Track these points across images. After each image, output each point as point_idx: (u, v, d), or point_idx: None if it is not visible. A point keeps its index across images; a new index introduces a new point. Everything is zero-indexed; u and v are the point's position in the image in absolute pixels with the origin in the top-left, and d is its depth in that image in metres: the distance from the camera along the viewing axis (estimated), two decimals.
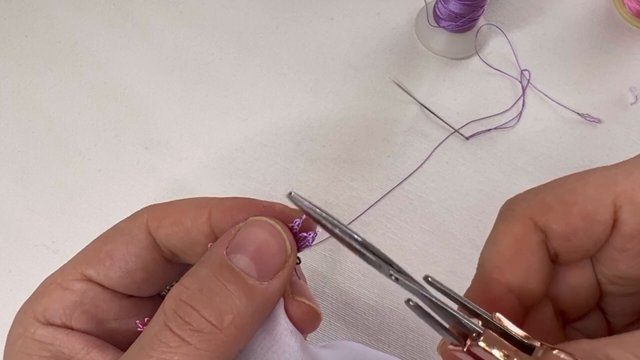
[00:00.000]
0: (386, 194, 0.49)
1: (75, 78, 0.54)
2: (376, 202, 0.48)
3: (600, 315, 0.26)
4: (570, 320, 0.25)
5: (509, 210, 0.24)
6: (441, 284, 0.20)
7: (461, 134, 0.51)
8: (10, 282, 0.46)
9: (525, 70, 0.53)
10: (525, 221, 0.22)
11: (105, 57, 0.54)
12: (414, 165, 0.50)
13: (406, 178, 0.49)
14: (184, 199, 0.25)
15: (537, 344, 0.18)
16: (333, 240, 0.49)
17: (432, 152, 0.50)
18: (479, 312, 0.20)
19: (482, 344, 0.18)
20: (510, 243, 0.23)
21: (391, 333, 0.45)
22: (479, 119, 0.51)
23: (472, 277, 0.25)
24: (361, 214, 0.48)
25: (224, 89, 0.53)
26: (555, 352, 0.18)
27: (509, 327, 0.19)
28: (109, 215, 0.48)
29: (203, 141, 0.51)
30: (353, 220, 0.48)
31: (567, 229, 0.22)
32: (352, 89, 0.53)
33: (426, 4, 0.54)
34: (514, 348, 0.18)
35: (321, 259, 0.47)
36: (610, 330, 0.25)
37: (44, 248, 0.47)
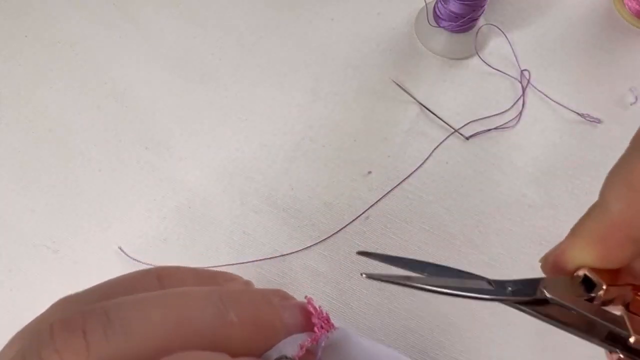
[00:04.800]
0: (386, 194, 0.49)
1: (75, 78, 0.54)
2: (376, 202, 0.48)
3: None
4: None
5: None
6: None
7: (461, 134, 0.51)
8: (10, 282, 0.46)
9: (525, 70, 0.53)
10: None
11: (105, 57, 0.54)
12: (414, 165, 0.50)
13: (406, 178, 0.49)
14: None
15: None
16: (333, 240, 0.49)
17: (432, 152, 0.50)
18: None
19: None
20: None
21: (391, 333, 0.45)
22: (479, 119, 0.51)
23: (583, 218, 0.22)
24: (361, 214, 0.48)
25: (224, 89, 0.53)
26: None
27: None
28: (108, 216, 0.48)
29: (203, 141, 0.51)
30: (353, 221, 0.48)
31: None
32: (352, 89, 0.53)
33: (426, 4, 0.54)
34: None
35: (321, 259, 0.47)
36: None
37: (44, 248, 0.47)
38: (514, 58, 0.54)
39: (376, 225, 0.48)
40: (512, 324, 0.44)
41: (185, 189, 0.49)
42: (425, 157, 0.50)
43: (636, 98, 0.52)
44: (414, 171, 0.49)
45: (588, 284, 0.21)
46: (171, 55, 0.54)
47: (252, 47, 0.55)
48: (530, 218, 0.48)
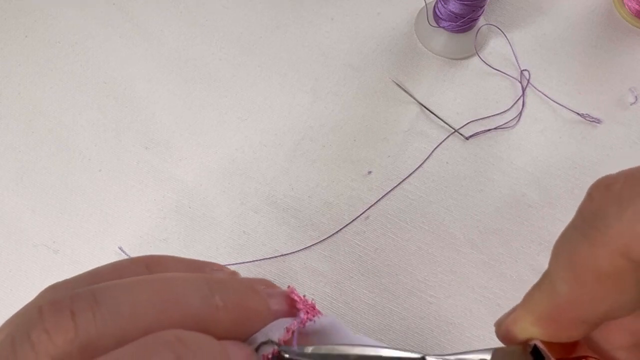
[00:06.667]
0: (386, 194, 0.49)
1: (75, 78, 0.54)
2: (376, 202, 0.48)
3: None
4: None
5: (596, 229, 0.18)
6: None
7: (461, 134, 0.51)
8: (10, 282, 0.46)
9: (525, 70, 0.53)
10: (615, 254, 0.17)
11: (105, 57, 0.54)
12: (414, 165, 0.50)
13: (406, 178, 0.49)
14: None
15: None
16: (333, 239, 0.49)
17: (432, 152, 0.50)
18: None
19: None
20: (593, 279, 0.18)
21: (391, 333, 0.45)
22: (479, 119, 0.51)
23: (531, 290, 0.22)
24: (361, 214, 0.48)
25: (224, 89, 0.53)
26: None
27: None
28: (108, 216, 0.48)
29: (203, 141, 0.51)
30: (353, 221, 0.48)
31: None
32: (352, 89, 0.53)
33: (426, 4, 0.54)
34: None
35: (321, 259, 0.47)
36: None
37: (44, 248, 0.47)
38: (514, 58, 0.54)
39: (376, 225, 0.48)
40: None
41: (185, 189, 0.49)
42: (425, 157, 0.50)
43: (636, 98, 0.52)
44: (414, 171, 0.49)
45: (538, 356, 0.20)
46: (171, 55, 0.54)
47: (252, 47, 0.55)
48: (530, 218, 0.48)
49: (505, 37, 0.54)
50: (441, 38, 0.54)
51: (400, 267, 0.46)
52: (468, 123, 0.51)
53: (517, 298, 0.40)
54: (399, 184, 0.49)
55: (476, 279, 0.46)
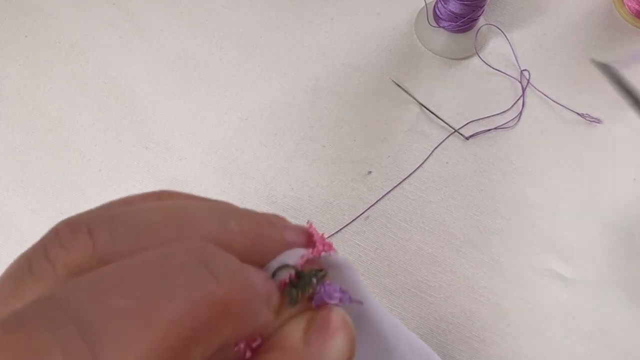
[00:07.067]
0: (386, 194, 0.49)
1: (75, 78, 0.54)
2: (376, 202, 0.48)
3: None
4: None
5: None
6: None
7: (461, 134, 0.51)
8: None
9: (525, 70, 0.53)
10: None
11: (105, 57, 0.54)
12: (414, 165, 0.50)
13: (406, 178, 0.49)
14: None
15: None
16: (333, 239, 0.49)
17: (432, 152, 0.50)
18: None
19: None
20: None
21: None
22: (479, 119, 0.51)
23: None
24: (361, 214, 0.48)
25: (224, 89, 0.53)
26: None
27: None
28: None
29: (203, 141, 0.51)
30: (353, 220, 0.48)
31: None
32: (352, 89, 0.53)
33: (426, 4, 0.54)
34: None
35: None
36: None
37: None
38: (514, 58, 0.54)
39: (376, 225, 0.48)
40: (512, 324, 0.44)
41: (185, 189, 0.49)
42: (425, 157, 0.50)
43: None
44: (414, 171, 0.49)
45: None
46: (171, 55, 0.54)
47: (252, 47, 0.55)
48: (530, 218, 0.48)
49: (505, 37, 0.54)
50: (441, 38, 0.54)
51: (400, 267, 0.46)
52: (468, 123, 0.51)
53: (517, 298, 0.40)
54: (399, 184, 0.49)
55: (476, 279, 0.46)
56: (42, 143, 0.51)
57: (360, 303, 0.19)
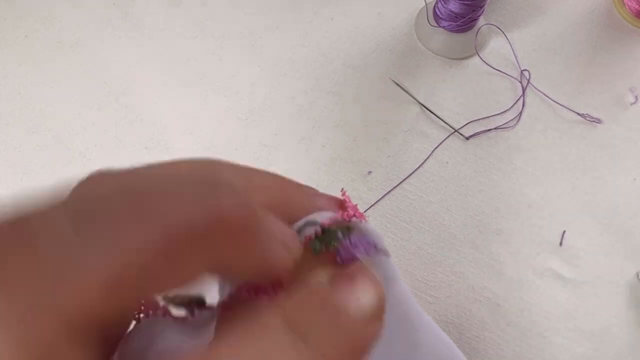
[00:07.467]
0: (386, 194, 0.49)
1: (75, 78, 0.54)
2: (376, 202, 0.48)
3: None
4: None
5: None
6: None
7: (461, 134, 0.51)
8: None
9: (525, 70, 0.53)
10: None
11: (105, 57, 0.54)
12: (414, 165, 0.50)
13: (406, 178, 0.49)
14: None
15: None
16: None
17: (432, 152, 0.50)
18: None
19: None
20: None
21: None
22: (479, 119, 0.51)
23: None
24: None
25: (224, 89, 0.53)
26: None
27: None
28: None
29: (203, 141, 0.51)
30: None
31: None
32: (352, 89, 0.53)
33: (426, 4, 0.54)
34: None
35: None
36: None
37: None
38: (514, 58, 0.54)
39: (376, 225, 0.48)
40: (512, 324, 0.44)
41: None
42: (425, 157, 0.50)
43: (636, 98, 0.52)
44: (414, 171, 0.49)
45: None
46: (171, 56, 0.54)
47: (252, 47, 0.55)
48: (530, 218, 0.48)
49: (505, 37, 0.54)
50: (441, 38, 0.54)
51: (400, 267, 0.46)
52: (468, 123, 0.51)
53: (517, 298, 0.40)
54: (399, 184, 0.49)
55: (476, 279, 0.46)
56: (42, 143, 0.51)
57: (387, 254, 0.19)
